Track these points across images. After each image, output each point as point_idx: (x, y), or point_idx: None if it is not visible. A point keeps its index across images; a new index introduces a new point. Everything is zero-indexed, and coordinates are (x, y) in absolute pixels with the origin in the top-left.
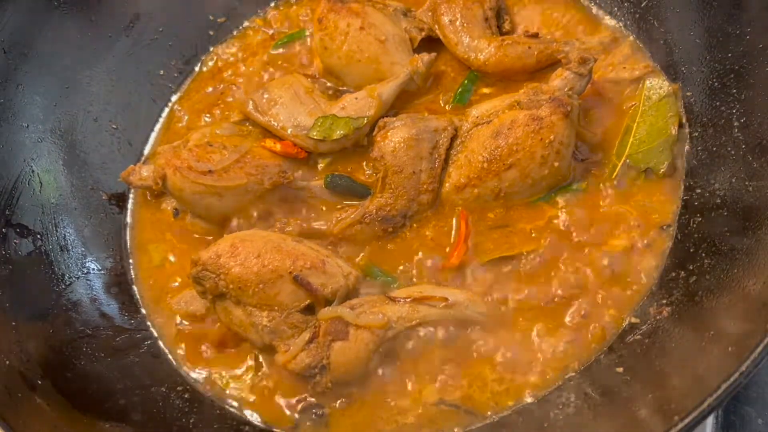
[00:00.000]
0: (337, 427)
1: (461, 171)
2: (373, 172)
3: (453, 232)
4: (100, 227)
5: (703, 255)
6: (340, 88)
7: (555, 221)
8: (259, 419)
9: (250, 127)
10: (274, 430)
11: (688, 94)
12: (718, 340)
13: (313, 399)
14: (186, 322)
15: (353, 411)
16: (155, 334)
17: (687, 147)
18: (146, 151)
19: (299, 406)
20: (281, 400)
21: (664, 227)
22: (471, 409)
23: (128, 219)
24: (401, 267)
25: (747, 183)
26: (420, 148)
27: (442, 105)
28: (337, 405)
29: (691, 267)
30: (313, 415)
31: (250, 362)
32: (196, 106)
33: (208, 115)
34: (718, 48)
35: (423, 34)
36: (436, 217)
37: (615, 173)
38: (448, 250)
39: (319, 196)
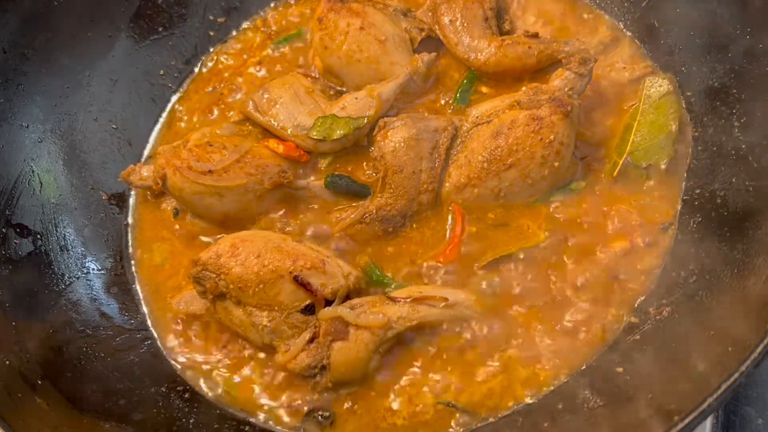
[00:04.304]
0: (341, 429)
1: (461, 171)
2: (373, 172)
3: (448, 228)
4: (100, 227)
5: (703, 255)
6: (340, 88)
7: (555, 220)
8: (261, 419)
9: (250, 127)
10: (276, 429)
11: (688, 94)
12: (718, 340)
13: (318, 401)
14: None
15: (358, 412)
16: (155, 334)
17: (688, 146)
18: (146, 151)
19: (305, 408)
20: (286, 401)
21: (665, 227)
22: (469, 409)
23: (128, 219)
24: (401, 267)
25: (747, 183)
26: (420, 148)
27: (443, 105)
28: (343, 406)
29: (691, 267)
30: (319, 417)
31: (254, 362)
32: (196, 106)
33: (208, 115)
34: (718, 48)
35: (423, 34)
36: (436, 217)
37: (616, 171)
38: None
39: (319, 196)
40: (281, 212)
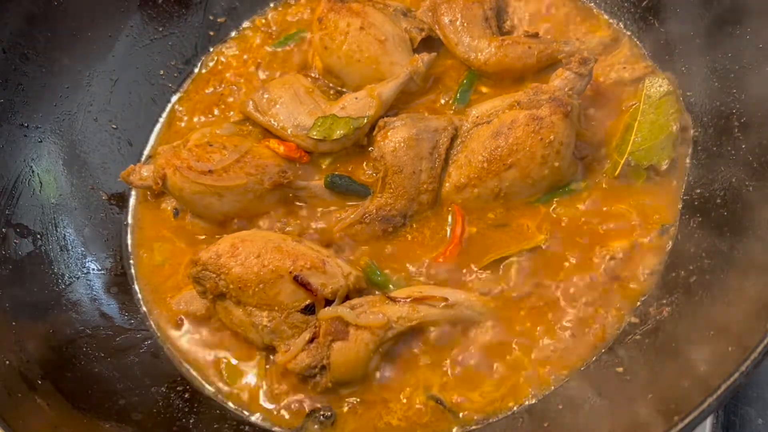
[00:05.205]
0: (342, 429)
1: (461, 171)
2: (373, 172)
3: (448, 228)
4: (100, 227)
5: (703, 255)
6: (340, 88)
7: (555, 221)
8: (261, 419)
9: (250, 127)
10: (275, 429)
11: (688, 94)
12: (718, 340)
13: (319, 401)
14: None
15: (359, 412)
16: (155, 334)
17: (688, 147)
18: (146, 151)
19: (306, 408)
20: (286, 401)
21: (665, 227)
22: (455, 410)
23: (128, 219)
24: (401, 267)
25: (747, 183)
26: (420, 148)
27: (443, 105)
28: (344, 406)
29: (691, 267)
30: (320, 417)
31: (254, 362)
32: (196, 106)
33: (208, 115)
34: (718, 48)
35: (423, 34)
36: (436, 218)
37: (617, 171)
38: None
39: (319, 196)
40: (281, 212)
